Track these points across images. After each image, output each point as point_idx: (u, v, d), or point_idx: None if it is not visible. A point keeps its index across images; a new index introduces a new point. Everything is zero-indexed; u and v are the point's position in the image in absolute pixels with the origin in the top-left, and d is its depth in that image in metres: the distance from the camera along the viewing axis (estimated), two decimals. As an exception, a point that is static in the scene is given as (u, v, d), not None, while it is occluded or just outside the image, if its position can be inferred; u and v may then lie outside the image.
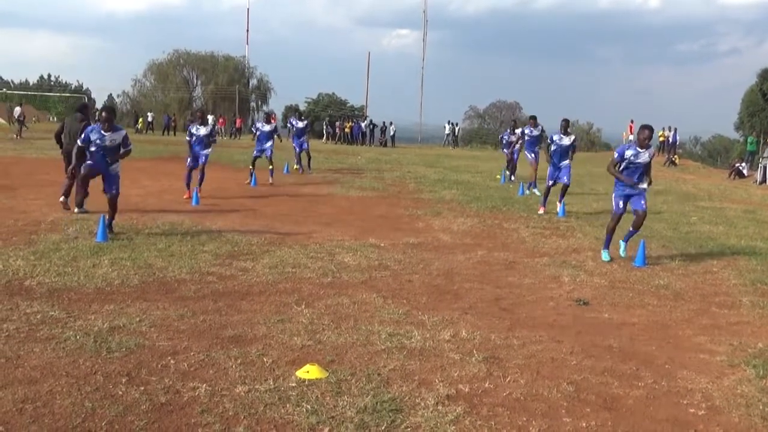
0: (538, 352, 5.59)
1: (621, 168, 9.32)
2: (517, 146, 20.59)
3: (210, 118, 56.26)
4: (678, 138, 41.32)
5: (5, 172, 17.33)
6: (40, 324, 5.65)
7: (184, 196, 13.92)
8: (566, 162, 13.78)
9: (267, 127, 18.36)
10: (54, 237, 9.17)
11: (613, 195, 9.61)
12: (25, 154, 24.19)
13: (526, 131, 18.85)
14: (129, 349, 5.19)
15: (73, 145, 11.94)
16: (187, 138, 14.75)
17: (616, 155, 9.46)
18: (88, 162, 9.63)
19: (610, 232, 9.54)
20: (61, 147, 12.35)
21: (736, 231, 12.92)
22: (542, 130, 18.87)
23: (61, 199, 11.64)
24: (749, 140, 35.90)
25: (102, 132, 9.54)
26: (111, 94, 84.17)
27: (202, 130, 14.63)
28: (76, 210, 11.49)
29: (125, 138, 9.74)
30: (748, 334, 6.38)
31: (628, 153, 9.25)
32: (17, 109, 38.99)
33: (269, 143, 18.06)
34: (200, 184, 14.23)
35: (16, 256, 7.95)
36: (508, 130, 21.61)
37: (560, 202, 13.91)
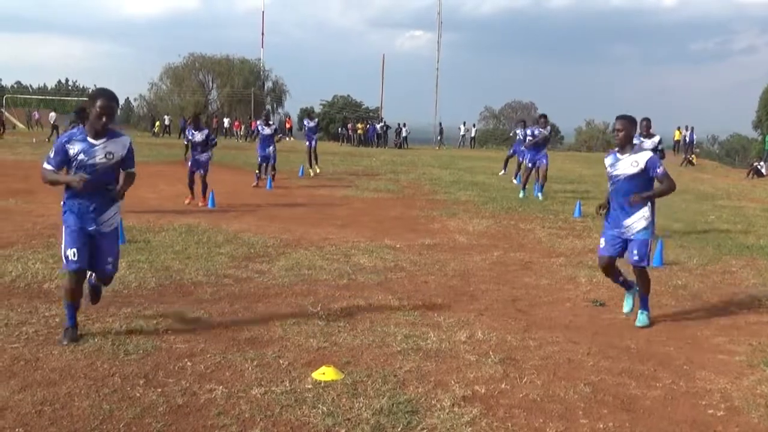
0: (555, 353, 5.57)
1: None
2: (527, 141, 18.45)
3: (166, 118, 55.19)
4: (695, 137, 41.02)
5: (24, 176, 17.50)
6: (58, 327, 5.69)
7: (186, 201, 13.56)
8: None
9: (267, 130, 18.05)
10: (72, 240, 9.23)
11: None
12: (43, 158, 24.38)
13: (535, 131, 16.85)
14: (146, 351, 5.23)
15: None
16: (185, 143, 14.02)
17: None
18: (66, 222, 5.42)
19: (606, 276, 6.74)
20: None
21: (755, 230, 12.81)
22: (550, 132, 17.22)
23: None
24: (767, 139, 35.58)
25: (90, 140, 5.30)
26: (128, 98, 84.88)
27: (198, 136, 13.90)
28: None
29: (131, 151, 5.49)
30: (767, 334, 6.32)
31: (607, 161, 6.53)
32: (52, 114, 39.58)
33: (271, 147, 17.87)
34: (204, 194, 13.55)
35: (35, 260, 8.02)
36: (521, 129, 20.61)
37: None
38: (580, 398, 4.67)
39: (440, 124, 52.98)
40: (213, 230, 10.50)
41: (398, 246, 9.86)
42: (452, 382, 4.86)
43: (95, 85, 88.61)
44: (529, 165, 17.01)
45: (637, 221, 6.28)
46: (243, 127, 54.70)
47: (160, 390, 4.51)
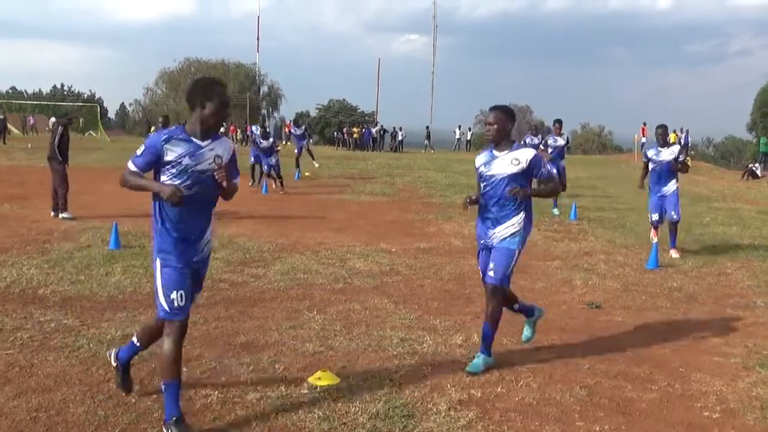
0: (551, 356, 5.57)
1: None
2: (539, 152, 16.95)
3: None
4: (690, 140, 41.16)
5: (20, 182, 17.47)
6: (53, 332, 5.69)
7: None
8: (672, 187, 10.08)
9: (265, 144, 17.77)
10: (67, 245, 9.22)
11: None
12: (38, 163, 24.35)
13: (550, 141, 15.12)
14: (141, 356, 5.18)
15: (52, 153, 12.01)
16: None
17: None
18: (165, 254, 4.06)
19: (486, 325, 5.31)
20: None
21: (750, 232, 12.84)
22: (567, 140, 15.88)
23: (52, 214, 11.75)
24: (762, 141, 35.75)
25: (195, 140, 4.09)
26: (123, 103, 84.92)
27: None
28: (61, 215, 11.57)
29: (234, 156, 4.33)
30: (762, 335, 6.33)
31: (479, 160, 5.48)
32: (52, 120, 39.69)
33: (273, 158, 17.63)
34: None
35: (30, 265, 8.00)
36: (530, 137, 19.38)
37: (673, 247, 10.16)
38: (576, 401, 4.67)
39: (428, 128, 53.12)
40: (208, 235, 10.47)
41: (394, 250, 9.86)
42: (448, 385, 4.86)
43: (90, 90, 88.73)
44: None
45: (506, 228, 5.24)
46: (239, 132, 54.65)
47: (155, 396, 4.49)
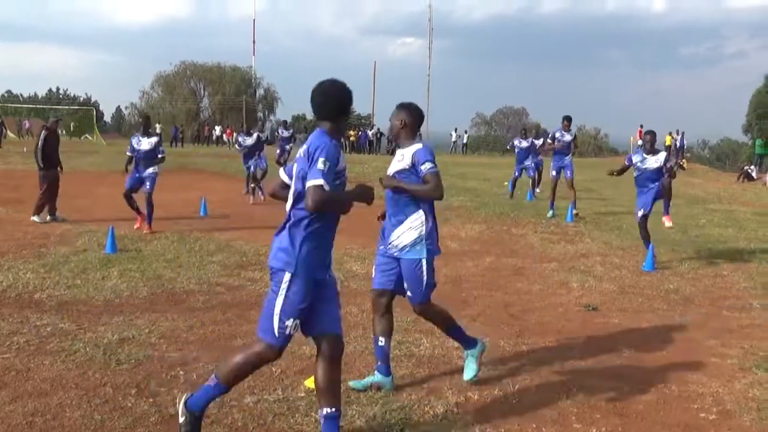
0: (548, 359, 5.57)
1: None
2: (546, 146, 16.08)
3: (157, 126, 49.56)
4: (685, 142, 41.26)
5: (16, 186, 17.43)
6: (50, 336, 5.68)
7: (135, 226, 11.13)
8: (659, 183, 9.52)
9: (249, 141, 16.81)
10: (63, 249, 9.21)
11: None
12: (34, 167, 24.26)
13: (557, 135, 14.66)
14: (138, 360, 5.21)
15: (36, 157, 12.01)
16: (128, 152, 11.40)
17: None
18: (302, 270, 3.77)
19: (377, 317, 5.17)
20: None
21: (746, 234, 12.86)
22: (575, 136, 15.36)
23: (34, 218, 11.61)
24: (758, 143, 35.87)
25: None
26: (119, 106, 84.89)
27: (145, 144, 11.19)
28: (48, 218, 11.58)
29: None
30: (759, 337, 6.34)
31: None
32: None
33: (263, 161, 17.19)
34: (150, 220, 11.00)
35: (26, 269, 7.98)
36: (519, 139, 18.94)
37: (666, 214, 9.87)
38: (573, 403, 4.68)
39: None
40: (205, 238, 10.48)
41: (391, 252, 9.83)
42: (445, 388, 4.86)
43: (86, 93, 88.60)
44: (554, 173, 14.71)
45: (404, 233, 4.83)
46: (234, 135, 54.67)
47: (152, 400, 4.49)
